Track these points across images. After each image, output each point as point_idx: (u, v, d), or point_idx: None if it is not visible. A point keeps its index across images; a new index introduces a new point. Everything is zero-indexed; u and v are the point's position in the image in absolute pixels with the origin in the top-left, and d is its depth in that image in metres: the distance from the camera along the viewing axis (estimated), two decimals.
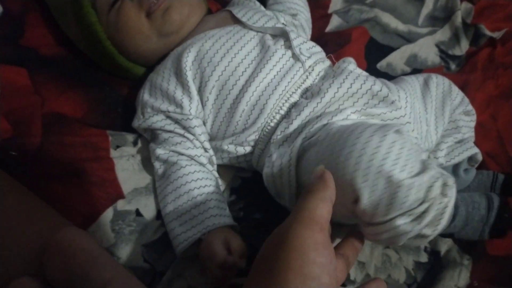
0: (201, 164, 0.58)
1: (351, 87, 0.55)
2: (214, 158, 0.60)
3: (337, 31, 0.78)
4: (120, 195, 0.58)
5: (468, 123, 0.64)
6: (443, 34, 0.81)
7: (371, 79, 0.56)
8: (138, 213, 0.58)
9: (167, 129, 0.59)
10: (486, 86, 0.75)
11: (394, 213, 0.42)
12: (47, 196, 0.55)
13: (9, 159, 0.56)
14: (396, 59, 0.77)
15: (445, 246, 0.61)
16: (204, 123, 0.60)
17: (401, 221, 0.42)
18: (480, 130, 0.67)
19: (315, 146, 0.50)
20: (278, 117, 0.57)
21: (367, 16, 0.79)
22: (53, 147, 0.58)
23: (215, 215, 0.54)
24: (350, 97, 0.55)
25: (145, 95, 0.62)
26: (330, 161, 0.45)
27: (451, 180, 0.43)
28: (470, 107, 0.64)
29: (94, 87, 0.66)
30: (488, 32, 0.80)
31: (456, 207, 0.53)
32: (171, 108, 0.60)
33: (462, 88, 0.66)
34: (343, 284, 0.55)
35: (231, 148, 0.59)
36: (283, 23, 0.66)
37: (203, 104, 0.60)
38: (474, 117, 0.65)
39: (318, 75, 0.59)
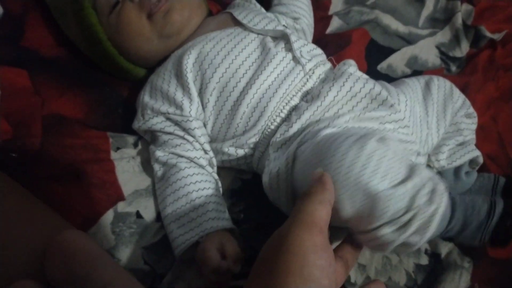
0: (200, 166, 0.58)
1: (350, 90, 0.55)
2: (214, 160, 0.60)
3: (337, 33, 0.78)
4: (121, 197, 0.58)
5: (469, 125, 0.64)
6: (443, 35, 0.81)
7: (371, 82, 0.56)
8: (138, 215, 0.58)
9: (167, 131, 0.59)
10: (486, 88, 0.75)
11: (376, 223, 0.42)
12: (47, 198, 0.55)
13: (10, 160, 0.56)
14: (397, 60, 0.77)
15: (445, 248, 0.61)
16: (205, 125, 0.60)
17: (385, 230, 0.42)
18: (481, 132, 0.67)
19: (303, 154, 0.50)
20: (278, 120, 0.57)
21: (368, 18, 0.79)
22: (53, 149, 0.58)
23: (213, 218, 0.54)
24: (349, 100, 0.55)
25: (146, 97, 0.62)
26: (313, 170, 0.46)
27: (441, 186, 0.43)
28: (471, 109, 0.64)
29: (95, 88, 0.66)
30: (488, 34, 0.80)
31: (453, 210, 0.53)
32: (171, 109, 0.60)
33: (463, 90, 0.66)
34: (343, 286, 0.55)
35: (232, 150, 0.59)
36: (284, 26, 0.66)
37: (203, 106, 0.60)
38: (476, 120, 0.65)
39: (319, 78, 0.59)
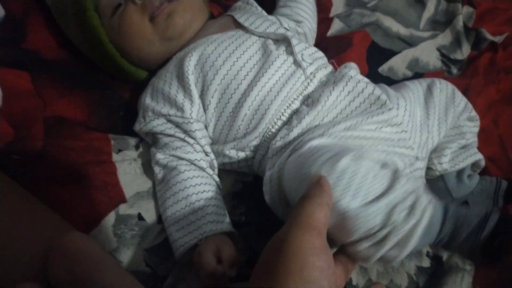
0: (201, 168, 0.58)
1: (348, 94, 0.55)
2: (215, 162, 0.60)
3: (338, 35, 0.78)
4: (122, 199, 0.58)
5: (471, 128, 0.64)
6: (444, 38, 0.81)
7: (371, 85, 0.56)
8: (140, 217, 0.58)
9: (168, 133, 0.59)
10: (487, 90, 0.75)
11: (351, 238, 0.42)
12: (49, 200, 0.55)
13: (11, 162, 0.56)
14: (398, 63, 0.78)
15: (447, 251, 0.61)
16: (206, 127, 0.60)
17: (362, 245, 0.43)
18: (482, 134, 0.67)
19: (289, 164, 0.51)
20: (279, 123, 0.57)
21: (369, 20, 0.80)
22: (55, 151, 0.58)
23: (212, 221, 0.54)
24: (348, 105, 0.55)
25: (147, 99, 0.62)
26: (293, 182, 0.47)
27: (423, 199, 0.43)
28: (474, 113, 0.64)
29: (96, 90, 0.67)
30: (489, 36, 0.80)
31: (444, 219, 0.49)
32: (172, 111, 0.60)
33: (464, 92, 0.66)
34: None
35: (233, 153, 0.59)
36: (286, 28, 0.66)
37: (205, 108, 0.60)
38: (478, 123, 0.65)
39: (320, 81, 0.59)
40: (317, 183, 0.41)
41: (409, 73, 0.77)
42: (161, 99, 0.61)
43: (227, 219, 0.56)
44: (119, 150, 0.61)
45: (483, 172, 0.66)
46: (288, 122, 0.57)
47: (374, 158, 0.45)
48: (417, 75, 0.77)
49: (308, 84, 0.58)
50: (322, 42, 0.75)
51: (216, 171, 0.60)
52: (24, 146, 0.57)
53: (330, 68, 0.62)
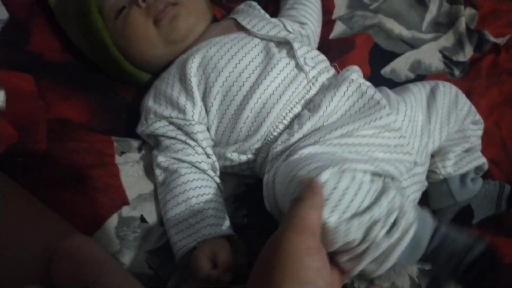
0: (202, 170, 0.58)
1: (348, 100, 0.56)
2: (217, 164, 0.60)
3: (341, 38, 0.78)
4: (125, 201, 0.58)
5: (475, 132, 0.64)
6: (447, 40, 0.81)
7: (372, 89, 0.56)
8: (142, 219, 0.58)
9: (169, 135, 0.59)
10: (490, 92, 0.75)
11: (329, 250, 0.42)
12: (52, 202, 0.55)
13: (15, 164, 0.57)
14: (400, 65, 0.77)
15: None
16: (208, 129, 0.61)
17: (342, 259, 0.43)
18: (484, 136, 0.67)
19: (279, 171, 0.51)
20: (281, 127, 0.57)
21: (371, 22, 0.80)
22: (58, 153, 0.58)
23: (211, 225, 0.54)
24: (348, 110, 0.56)
25: (150, 101, 0.62)
26: (281, 188, 0.48)
27: (408, 217, 0.43)
28: (478, 116, 0.64)
29: (99, 92, 0.67)
30: (492, 38, 0.80)
31: (432, 239, 0.46)
32: (174, 113, 0.60)
33: (466, 94, 0.65)
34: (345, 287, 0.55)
35: (235, 156, 0.59)
36: (289, 31, 0.66)
37: (207, 110, 0.60)
38: (482, 126, 0.65)
39: (322, 85, 0.59)
40: (308, 185, 0.41)
41: (412, 75, 0.77)
42: (163, 101, 0.61)
43: (227, 223, 0.56)
44: (122, 152, 0.61)
45: (485, 174, 0.66)
46: (289, 126, 0.57)
47: (361, 170, 0.45)
48: (420, 77, 0.77)
49: (310, 88, 0.58)
50: (325, 44, 0.75)
51: (218, 173, 0.61)
52: (27, 148, 0.58)
53: (332, 71, 0.62)
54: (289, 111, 0.57)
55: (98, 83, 0.67)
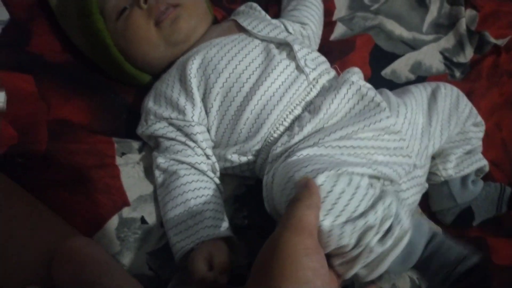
0: (201, 171, 0.58)
1: (348, 102, 0.55)
2: (216, 165, 0.60)
3: (341, 39, 0.78)
4: (126, 203, 0.58)
5: (477, 134, 0.64)
6: (447, 41, 0.81)
7: (372, 91, 0.56)
8: (143, 220, 0.58)
9: (169, 136, 0.59)
10: (490, 94, 0.75)
11: (325, 251, 0.42)
12: (52, 203, 0.55)
13: (15, 165, 0.57)
14: (401, 66, 0.77)
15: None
16: (208, 131, 0.61)
17: (335, 262, 0.43)
18: (485, 138, 0.67)
19: (277, 172, 0.51)
20: (281, 128, 0.57)
21: (372, 24, 0.80)
22: (58, 154, 0.59)
23: (210, 226, 0.54)
24: (348, 112, 0.56)
25: (150, 103, 0.62)
26: (278, 189, 0.48)
27: (403, 225, 0.43)
28: (479, 118, 0.64)
29: (100, 93, 0.67)
30: (492, 39, 0.80)
31: (426, 247, 0.47)
32: (174, 114, 0.60)
33: (467, 96, 0.65)
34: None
35: (235, 157, 0.59)
36: (290, 32, 0.66)
37: (207, 111, 0.60)
38: (483, 128, 0.65)
39: (322, 87, 0.59)
40: (305, 186, 0.41)
41: (412, 77, 0.77)
42: (163, 102, 0.61)
43: (226, 224, 0.55)
44: (123, 154, 0.61)
45: (486, 176, 0.66)
46: (289, 128, 0.57)
47: (359, 174, 0.45)
48: (420, 79, 0.77)
49: (311, 90, 0.58)
50: (325, 46, 0.76)
51: (218, 174, 0.61)
52: (28, 150, 0.58)
53: (333, 73, 0.62)
54: (290, 113, 0.57)
55: (99, 84, 0.67)
